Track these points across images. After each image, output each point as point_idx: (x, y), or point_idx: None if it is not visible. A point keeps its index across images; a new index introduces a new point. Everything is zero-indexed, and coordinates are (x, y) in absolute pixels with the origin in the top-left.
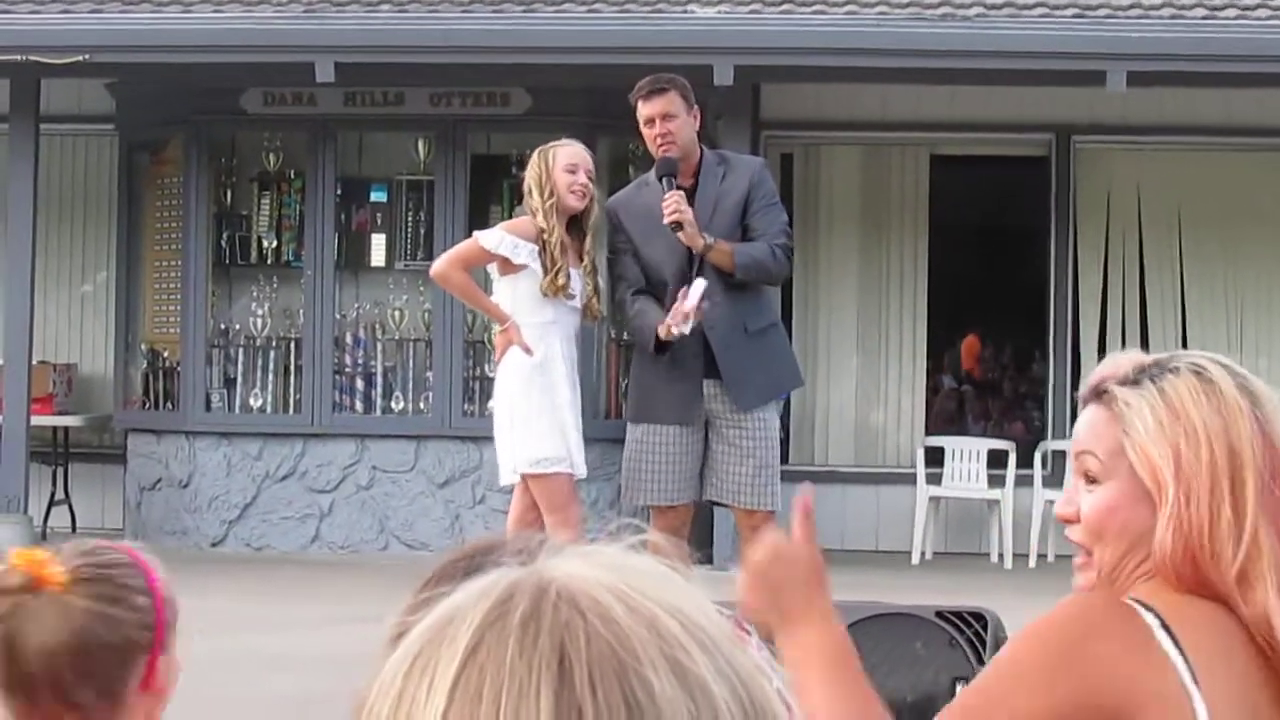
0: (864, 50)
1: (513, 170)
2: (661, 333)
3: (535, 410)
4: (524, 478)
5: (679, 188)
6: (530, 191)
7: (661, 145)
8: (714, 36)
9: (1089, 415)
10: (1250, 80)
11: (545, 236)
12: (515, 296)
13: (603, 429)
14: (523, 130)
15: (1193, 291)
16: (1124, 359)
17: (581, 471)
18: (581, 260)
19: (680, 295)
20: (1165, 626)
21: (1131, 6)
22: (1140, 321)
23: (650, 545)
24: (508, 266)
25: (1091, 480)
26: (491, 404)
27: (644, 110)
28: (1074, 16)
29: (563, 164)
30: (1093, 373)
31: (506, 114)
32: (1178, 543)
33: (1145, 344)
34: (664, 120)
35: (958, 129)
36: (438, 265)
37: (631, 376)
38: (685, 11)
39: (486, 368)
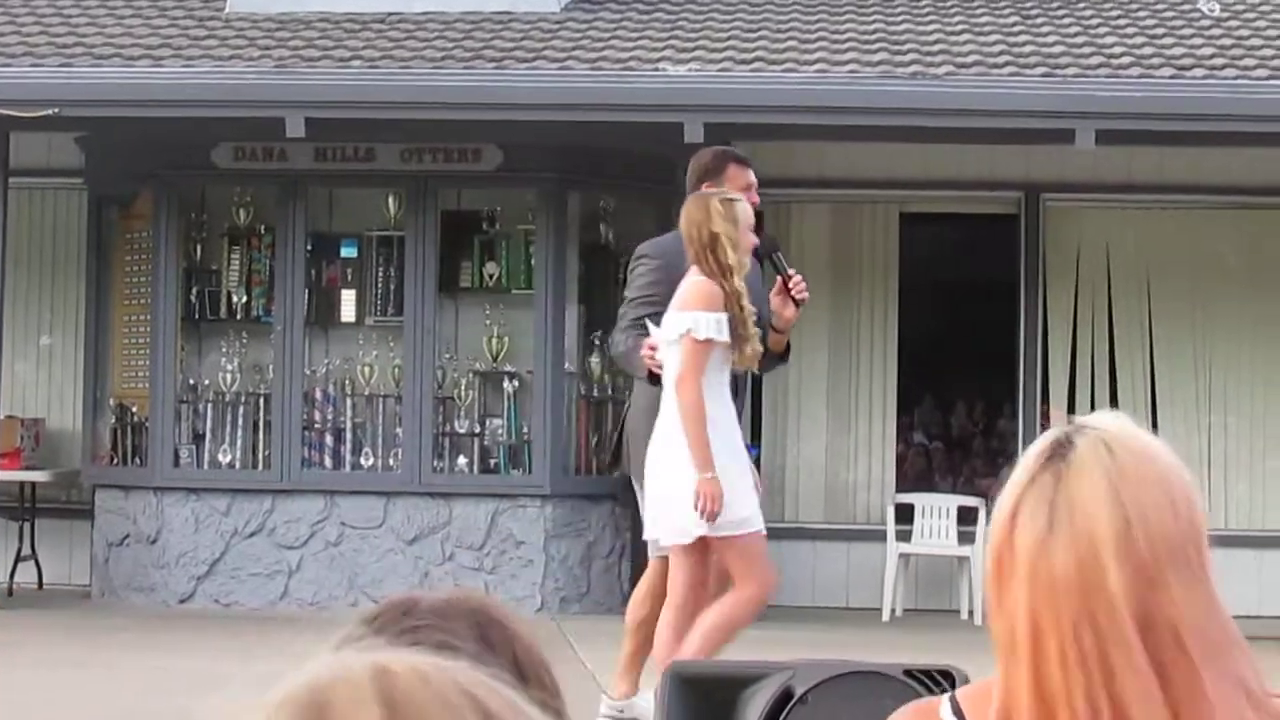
0: (834, 108)
1: (483, 226)
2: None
3: (736, 471)
4: (702, 541)
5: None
6: (724, 249)
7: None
8: (685, 94)
9: None
10: (1218, 139)
11: (738, 303)
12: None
13: (574, 485)
14: (493, 186)
15: (1161, 348)
16: None
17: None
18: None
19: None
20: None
21: (1100, 66)
22: (1110, 377)
23: None
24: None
25: None
26: (652, 461)
27: (746, 177)
28: (1043, 75)
29: (746, 224)
30: None
31: (478, 170)
32: None
33: (1114, 399)
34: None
35: (927, 187)
36: (686, 390)
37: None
38: (656, 69)
39: (456, 424)
